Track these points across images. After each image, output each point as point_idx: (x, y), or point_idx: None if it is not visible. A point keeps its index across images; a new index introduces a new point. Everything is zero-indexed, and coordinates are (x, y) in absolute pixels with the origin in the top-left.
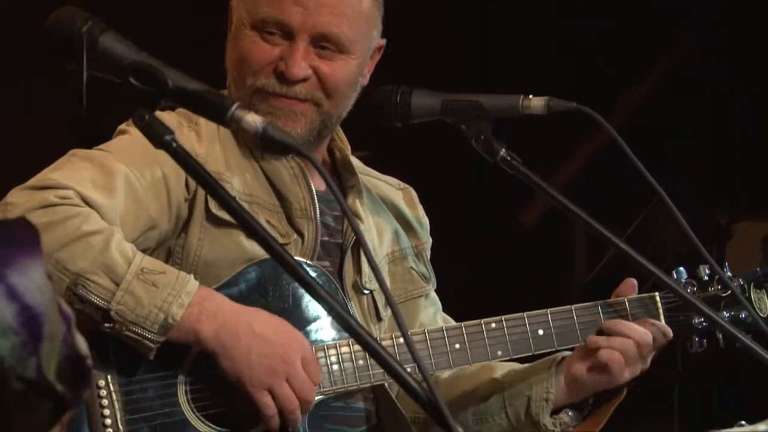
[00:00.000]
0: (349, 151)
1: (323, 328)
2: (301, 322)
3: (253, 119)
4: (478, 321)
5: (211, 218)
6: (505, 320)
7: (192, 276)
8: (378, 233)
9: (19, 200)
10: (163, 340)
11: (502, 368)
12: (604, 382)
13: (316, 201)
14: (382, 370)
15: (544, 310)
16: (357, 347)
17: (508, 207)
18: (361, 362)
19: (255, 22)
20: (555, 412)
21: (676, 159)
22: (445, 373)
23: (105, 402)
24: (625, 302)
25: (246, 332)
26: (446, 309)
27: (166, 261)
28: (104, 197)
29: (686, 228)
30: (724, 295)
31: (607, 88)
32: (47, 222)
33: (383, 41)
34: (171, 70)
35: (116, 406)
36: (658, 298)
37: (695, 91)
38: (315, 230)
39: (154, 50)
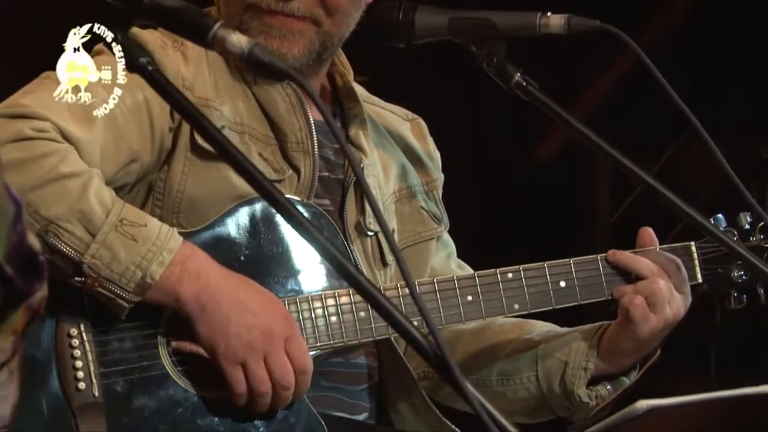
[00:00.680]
0: (351, 76)
1: (322, 275)
2: (296, 268)
3: (238, 40)
4: (493, 270)
5: (197, 150)
6: (523, 270)
7: (175, 231)
8: (383, 169)
9: None
10: (138, 300)
11: (538, 327)
12: (629, 335)
13: (314, 132)
14: (385, 324)
15: (567, 259)
16: (358, 297)
17: (524, 139)
18: (362, 314)
19: None
20: (592, 383)
21: (711, 86)
22: (470, 325)
23: (77, 353)
24: (656, 252)
25: (230, 299)
26: (458, 255)
27: (147, 197)
28: (83, 130)
29: (724, 164)
30: (767, 245)
31: (635, 6)
32: (20, 159)
33: None
34: None
35: (89, 357)
36: (693, 248)
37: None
38: (312, 165)
39: None
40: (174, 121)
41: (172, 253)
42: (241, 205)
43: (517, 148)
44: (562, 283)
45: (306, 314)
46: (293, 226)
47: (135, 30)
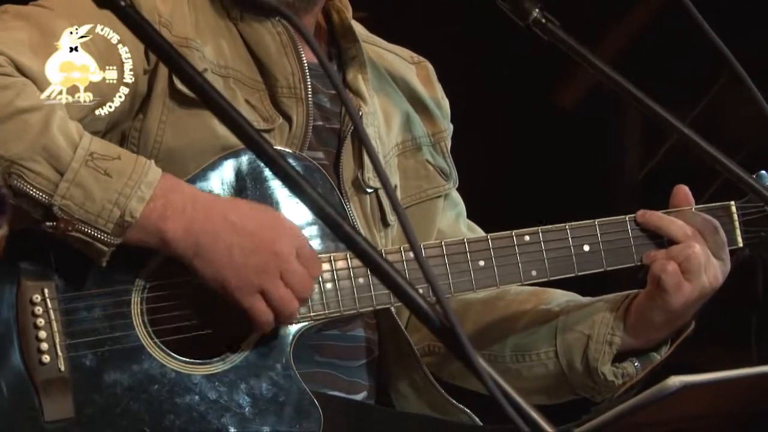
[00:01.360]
0: (350, 13)
1: (316, 236)
2: None
3: None
4: (508, 232)
5: (176, 96)
6: (542, 232)
7: (153, 162)
8: (385, 118)
9: None
10: (119, 242)
11: (557, 297)
12: (660, 306)
13: (308, 76)
14: (386, 291)
15: (591, 220)
16: (356, 262)
17: (542, 84)
18: (361, 281)
19: None
20: (618, 360)
21: (752, 23)
22: (482, 293)
23: (40, 322)
24: (691, 213)
25: (224, 227)
26: (468, 216)
27: None
28: (42, 65)
29: (767, 109)
30: None
31: None
32: None
33: None
34: None
35: (54, 327)
36: (734, 209)
37: None
38: (305, 113)
39: None
40: (150, 63)
41: (152, 186)
42: (226, 157)
43: (534, 94)
44: (586, 247)
45: None
46: (283, 182)
47: None
